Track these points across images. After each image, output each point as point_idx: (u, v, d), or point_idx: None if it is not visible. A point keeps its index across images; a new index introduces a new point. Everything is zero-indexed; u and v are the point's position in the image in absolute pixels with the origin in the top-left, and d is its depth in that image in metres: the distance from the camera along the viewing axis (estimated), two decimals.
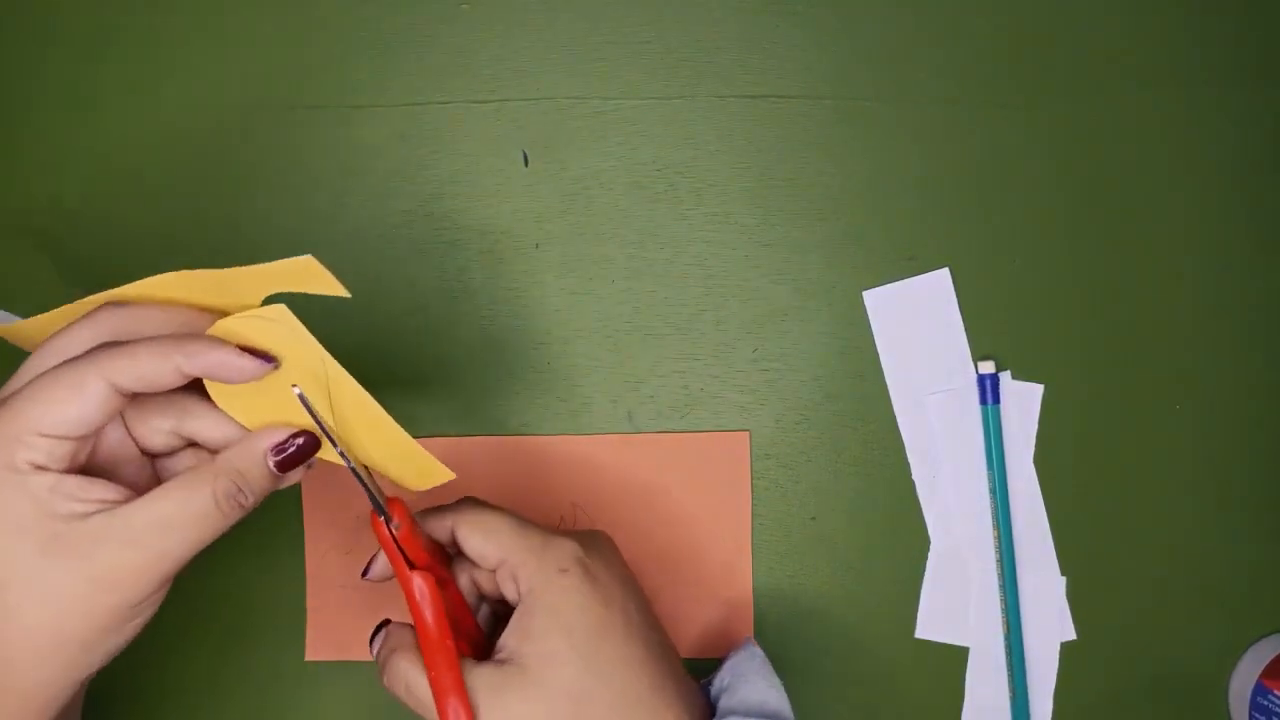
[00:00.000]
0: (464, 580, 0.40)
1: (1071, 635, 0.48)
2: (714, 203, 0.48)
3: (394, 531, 0.37)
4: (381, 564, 0.39)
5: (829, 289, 0.48)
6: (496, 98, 0.48)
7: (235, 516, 0.34)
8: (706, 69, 0.48)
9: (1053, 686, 0.48)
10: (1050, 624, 0.48)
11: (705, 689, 0.41)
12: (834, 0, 0.48)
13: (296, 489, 0.47)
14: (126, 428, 0.36)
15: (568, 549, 0.38)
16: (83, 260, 0.48)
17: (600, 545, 0.40)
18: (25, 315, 0.40)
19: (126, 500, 0.33)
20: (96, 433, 0.33)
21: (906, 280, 0.48)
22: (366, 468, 0.37)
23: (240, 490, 0.34)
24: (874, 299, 0.48)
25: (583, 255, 0.48)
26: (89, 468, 0.34)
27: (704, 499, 0.47)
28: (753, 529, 0.47)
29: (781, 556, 0.48)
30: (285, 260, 0.34)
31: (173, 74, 0.48)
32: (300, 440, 0.35)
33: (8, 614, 0.31)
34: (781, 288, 0.48)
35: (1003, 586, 0.47)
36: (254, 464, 0.35)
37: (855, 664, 0.48)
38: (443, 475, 0.39)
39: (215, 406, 0.36)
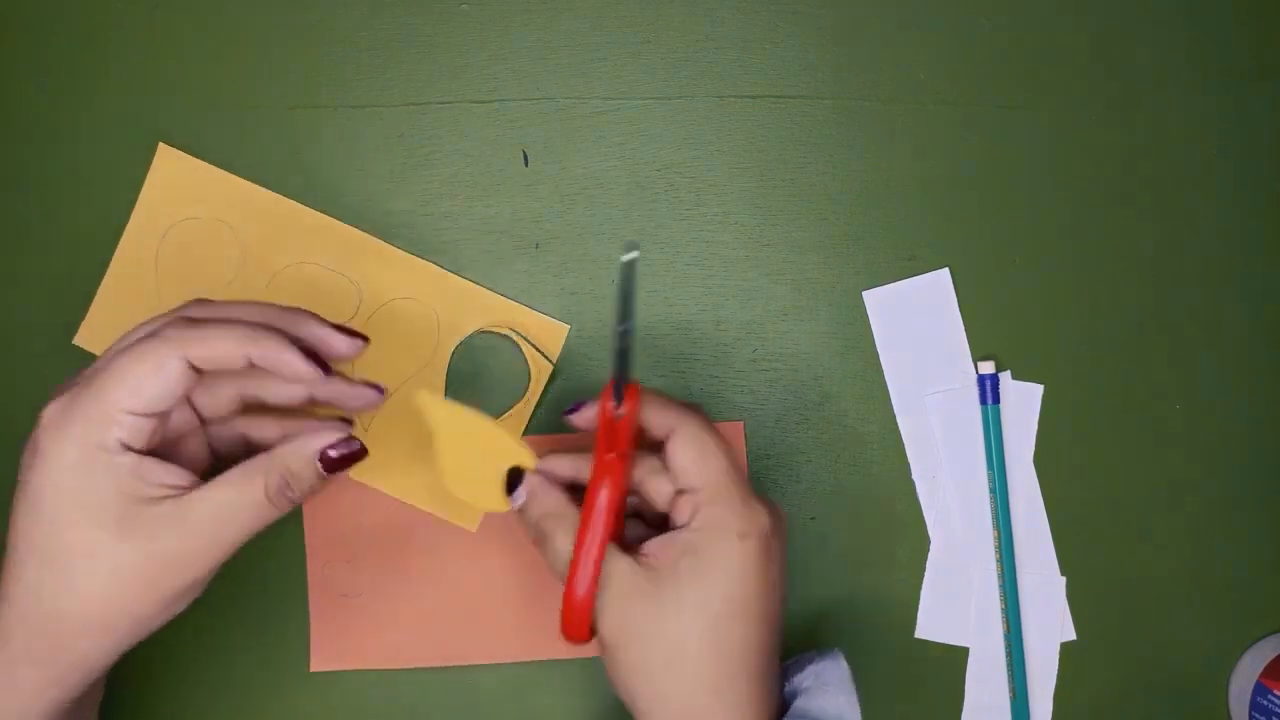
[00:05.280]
0: (636, 473, 0.39)
1: (1071, 635, 0.48)
2: (714, 203, 0.48)
3: (617, 416, 0.37)
4: (588, 415, 0.39)
5: (829, 289, 0.48)
6: (496, 98, 0.48)
7: (284, 509, 0.36)
8: (706, 69, 0.48)
9: (1053, 686, 0.48)
10: (1050, 624, 0.48)
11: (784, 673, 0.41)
12: (834, 0, 0.48)
13: None
14: (189, 400, 0.38)
15: (761, 520, 0.37)
16: (83, 258, 0.47)
17: (781, 529, 0.38)
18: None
19: (192, 487, 0.35)
20: (171, 409, 0.35)
21: (906, 280, 0.48)
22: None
23: (289, 485, 0.36)
24: (874, 299, 0.48)
25: (583, 255, 0.48)
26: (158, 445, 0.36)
27: None
28: None
29: None
30: (547, 318, 0.47)
31: (172, 73, 0.48)
32: (348, 447, 0.37)
33: (72, 585, 0.33)
34: (781, 288, 0.48)
35: (1003, 586, 0.47)
36: (304, 463, 0.36)
37: (855, 664, 0.48)
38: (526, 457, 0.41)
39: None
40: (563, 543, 0.37)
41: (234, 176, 0.47)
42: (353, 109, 0.48)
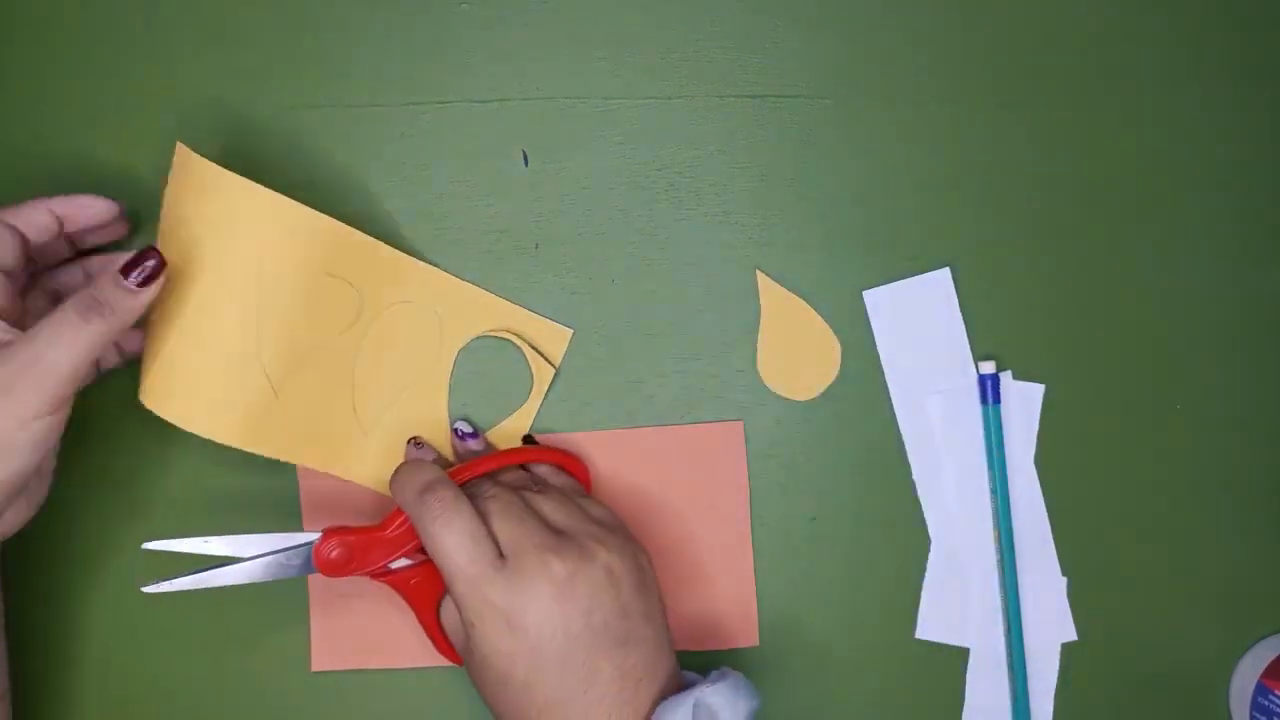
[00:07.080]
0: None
1: (1072, 635, 0.48)
2: (714, 203, 0.48)
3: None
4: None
5: (829, 289, 0.48)
6: (496, 98, 0.48)
7: (102, 325, 0.38)
8: (706, 69, 0.48)
9: (1053, 686, 0.48)
10: (1050, 624, 0.48)
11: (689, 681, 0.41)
12: (834, 0, 0.48)
13: (295, 497, 0.47)
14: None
15: (498, 597, 0.39)
16: None
17: (512, 579, 0.39)
18: None
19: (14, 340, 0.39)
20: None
21: (906, 280, 0.48)
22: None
23: (97, 301, 0.38)
24: (874, 299, 0.48)
25: (583, 255, 0.48)
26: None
27: (702, 491, 0.47)
28: (753, 529, 0.47)
29: (781, 557, 0.48)
30: (551, 323, 0.47)
31: (172, 73, 0.48)
32: (144, 257, 0.40)
33: None
34: (782, 287, 0.48)
35: (1003, 586, 0.47)
36: (110, 283, 0.39)
37: (855, 664, 0.48)
38: None
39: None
40: None
41: (235, 175, 0.46)
42: (353, 109, 0.48)
